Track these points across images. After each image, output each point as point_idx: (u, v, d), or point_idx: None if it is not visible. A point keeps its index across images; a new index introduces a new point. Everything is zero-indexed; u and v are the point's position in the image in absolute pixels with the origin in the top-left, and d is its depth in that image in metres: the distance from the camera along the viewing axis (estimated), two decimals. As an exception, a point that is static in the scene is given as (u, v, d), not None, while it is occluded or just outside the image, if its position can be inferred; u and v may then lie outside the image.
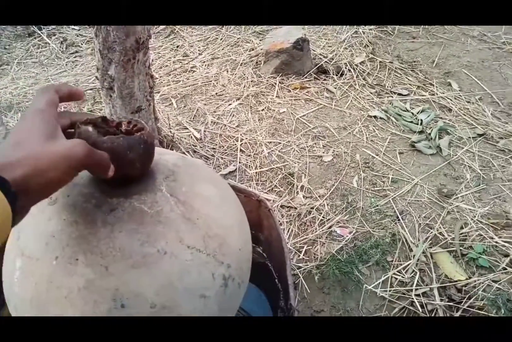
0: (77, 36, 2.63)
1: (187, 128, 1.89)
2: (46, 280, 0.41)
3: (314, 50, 2.43)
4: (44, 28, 2.58)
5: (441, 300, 1.42)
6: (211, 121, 1.94)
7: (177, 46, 2.51)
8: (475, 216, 1.58)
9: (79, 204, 0.44)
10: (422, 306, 1.41)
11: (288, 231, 1.57)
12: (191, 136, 1.84)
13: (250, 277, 0.85)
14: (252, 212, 0.85)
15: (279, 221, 1.59)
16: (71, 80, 2.04)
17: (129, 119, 0.45)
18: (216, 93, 2.10)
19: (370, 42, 2.55)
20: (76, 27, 2.65)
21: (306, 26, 2.64)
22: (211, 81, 2.19)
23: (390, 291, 1.45)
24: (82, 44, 2.50)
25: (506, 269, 1.44)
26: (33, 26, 2.53)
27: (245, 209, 0.78)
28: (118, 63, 1.23)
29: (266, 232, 0.85)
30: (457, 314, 1.39)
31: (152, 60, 2.38)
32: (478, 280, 1.43)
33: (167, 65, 2.35)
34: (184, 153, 1.75)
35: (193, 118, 1.98)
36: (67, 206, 0.44)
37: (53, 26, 2.61)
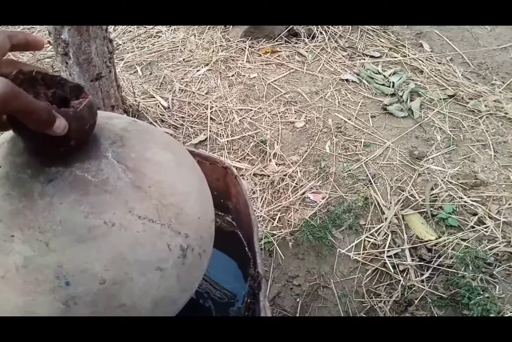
0: None
1: (154, 97, 1.81)
2: (-21, 259, 0.37)
3: (284, 12, 2.34)
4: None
5: (412, 260, 1.46)
6: (179, 89, 1.86)
7: (140, 10, 2.37)
8: (445, 177, 1.60)
9: (13, 174, 0.39)
10: (394, 267, 1.45)
11: (261, 199, 1.56)
12: (158, 105, 1.77)
13: (221, 246, 0.83)
14: (219, 180, 0.82)
15: (249, 188, 1.57)
16: (26, 48, 1.90)
17: (73, 83, 0.40)
18: (183, 59, 2.01)
19: (341, 2, 2.47)
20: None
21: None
22: (177, 46, 2.09)
23: (363, 254, 1.48)
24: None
25: (474, 227, 1.48)
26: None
27: (212, 177, 0.75)
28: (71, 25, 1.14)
29: (234, 199, 0.82)
30: (427, 274, 1.43)
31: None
32: (447, 239, 1.47)
33: (130, 31, 2.22)
34: (151, 123, 1.68)
35: (160, 86, 1.89)
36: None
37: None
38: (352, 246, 1.49)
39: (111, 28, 2.15)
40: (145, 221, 0.42)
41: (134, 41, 2.12)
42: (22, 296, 0.37)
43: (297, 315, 1.43)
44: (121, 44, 2.09)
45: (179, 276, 0.45)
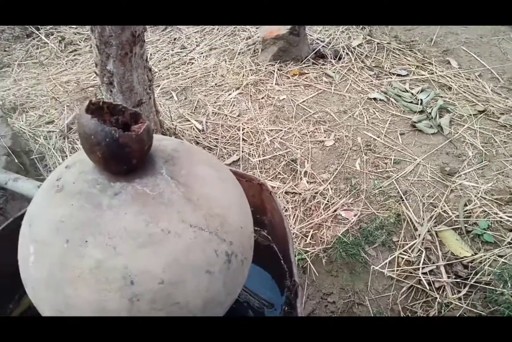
0: (75, 34, 2.64)
1: (189, 120, 1.91)
2: (59, 262, 0.44)
3: (311, 35, 2.43)
4: (42, 28, 2.60)
5: (448, 277, 1.44)
6: (212, 112, 1.96)
7: (174, 39, 2.52)
8: (478, 193, 1.59)
9: (85, 190, 0.46)
10: (429, 284, 1.43)
11: (293, 217, 1.59)
12: (193, 128, 1.86)
13: (258, 260, 0.88)
14: (255, 197, 0.87)
15: (281, 206, 1.61)
16: (72, 79, 2.06)
17: (132, 111, 0.47)
18: (215, 84, 2.11)
19: (367, 24, 2.54)
20: (74, 26, 2.66)
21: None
22: (210, 72, 2.20)
23: (397, 270, 1.48)
24: (80, 42, 2.52)
25: (511, 243, 1.46)
26: (31, 26, 2.55)
27: (248, 194, 0.80)
28: (115, 57, 1.25)
29: (269, 214, 0.87)
30: (464, 291, 1.41)
31: (150, 54, 2.39)
32: (484, 255, 1.45)
33: (165, 59, 2.36)
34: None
35: (194, 110, 1.99)
36: (74, 192, 0.46)
37: (51, 26, 2.63)
38: (386, 263, 1.49)
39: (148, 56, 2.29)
40: (195, 229, 0.47)
41: (169, 68, 2.26)
42: (94, 293, 0.43)
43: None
44: (157, 72, 2.22)
45: (225, 279, 0.50)
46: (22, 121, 1.78)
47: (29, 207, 0.50)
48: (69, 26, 2.67)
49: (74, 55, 2.37)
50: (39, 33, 2.56)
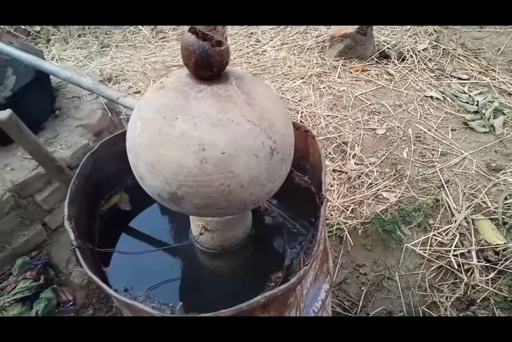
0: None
1: (254, 102, 2.12)
2: (157, 131, 0.64)
3: (378, 38, 2.56)
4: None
5: (478, 261, 1.51)
6: (276, 97, 2.16)
7: (251, 33, 2.77)
8: (521, 188, 1.63)
9: (180, 87, 0.67)
10: (459, 265, 1.51)
11: (337, 192, 1.74)
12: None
13: (297, 198, 1.05)
14: (302, 143, 1.04)
15: (327, 182, 1.74)
16: (159, 60, 2.37)
17: (217, 39, 0.67)
18: (282, 73, 2.31)
19: (435, 30, 2.62)
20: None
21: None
22: (279, 63, 2.41)
23: (429, 250, 1.57)
24: (169, 31, 2.85)
25: (547, 236, 1.50)
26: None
27: (296, 140, 0.99)
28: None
29: (311, 159, 1.04)
30: (492, 274, 1.48)
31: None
32: (517, 246, 1.50)
33: (240, 49, 2.61)
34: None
35: (260, 94, 2.20)
36: (171, 88, 0.67)
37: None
38: (419, 242, 1.59)
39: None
40: (250, 123, 0.66)
41: (242, 57, 2.50)
42: (178, 153, 0.63)
43: (360, 302, 1.55)
44: (231, 59, 2.47)
45: (267, 166, 0.68)
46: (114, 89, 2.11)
47: (138, 101, 0.72)
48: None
49: (162, 42, 2.71)
50: (135, 22, 2.93)
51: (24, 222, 1.50)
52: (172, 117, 0.64)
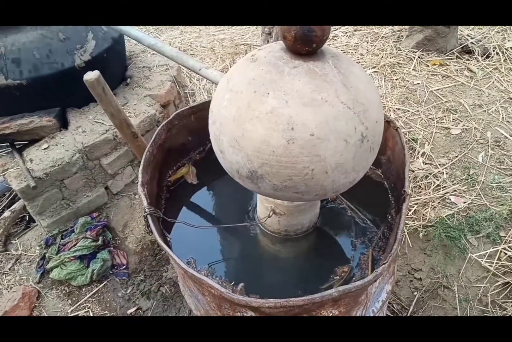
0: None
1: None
2: (245, 105, 0.61)
3: (461, 31, 2.38)
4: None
5: (552, 282, 1.38)
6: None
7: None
8: None
9: (273, 61, 0.62)
10: (528, 285, 1.39)
11: (400, 190, 1.64)
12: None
13: (369, 192, 0.99)
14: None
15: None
16: (228, 37, 2.35)
17: None
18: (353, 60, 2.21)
19: (527, 27, 2.40)
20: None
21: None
22: (350, 49, 2.31)
23: (496, 264, 1.45)
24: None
25: None
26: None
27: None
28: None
29: (388, 152, 0.97)
30: None
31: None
32: None
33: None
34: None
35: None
36: (264, 62, 0.63)
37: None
38: (486, 254, 1.47)
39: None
40: (344, 106, 0.61)
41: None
42: (265, 130, 0.59)
43: (411, 308, 1.47)
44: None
45: (355, 153, 0.63)
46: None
47: (226, 74, 0.69)
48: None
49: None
50: None
51: (89, 183, 1.56)
52: (263, 92, 0.60)
